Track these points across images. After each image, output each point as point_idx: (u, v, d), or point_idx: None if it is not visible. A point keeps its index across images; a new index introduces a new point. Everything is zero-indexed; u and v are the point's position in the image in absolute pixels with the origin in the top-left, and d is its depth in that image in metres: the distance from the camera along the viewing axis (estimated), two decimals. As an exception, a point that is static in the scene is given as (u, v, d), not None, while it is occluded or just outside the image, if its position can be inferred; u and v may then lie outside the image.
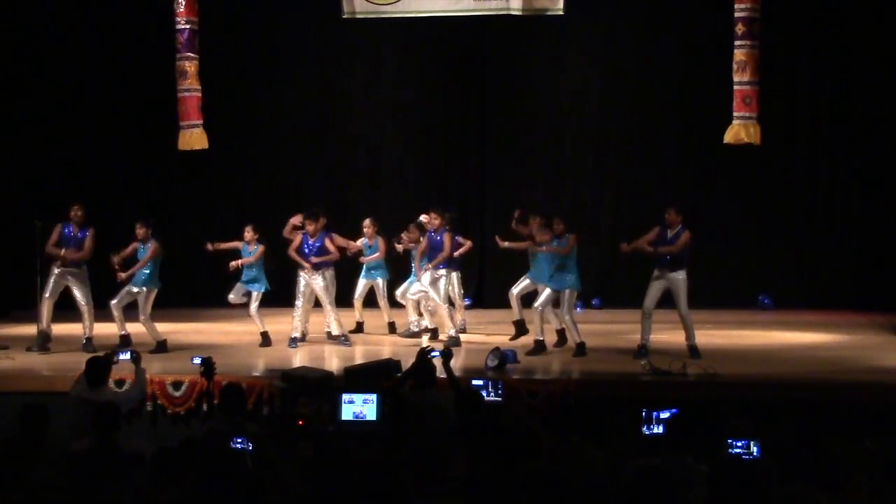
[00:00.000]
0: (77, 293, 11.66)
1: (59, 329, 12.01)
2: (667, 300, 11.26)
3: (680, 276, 11.06)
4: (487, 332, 12.77)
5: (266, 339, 12.05)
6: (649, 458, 6.32)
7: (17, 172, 14.76)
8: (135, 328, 11.87)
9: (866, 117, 15.09)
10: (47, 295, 11.58)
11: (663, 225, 11.17)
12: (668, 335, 11.49)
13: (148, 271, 11.69)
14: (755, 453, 6.28)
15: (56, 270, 11.57)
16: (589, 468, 6.30)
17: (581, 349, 11.29)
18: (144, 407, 9.84)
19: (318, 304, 12.24)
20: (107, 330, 11.87)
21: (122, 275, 11.58)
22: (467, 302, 14.07)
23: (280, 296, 12.54)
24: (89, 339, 11.64)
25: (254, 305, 12.04)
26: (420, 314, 12.40)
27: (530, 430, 6.43)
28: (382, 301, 12.97)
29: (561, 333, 11.71)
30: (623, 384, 10.04)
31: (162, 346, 11.60)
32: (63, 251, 11.46)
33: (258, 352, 11.78)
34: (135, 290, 11.65)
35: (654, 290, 11.17)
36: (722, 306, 14.31)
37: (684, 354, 10.79)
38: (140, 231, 11.68)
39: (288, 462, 6.65)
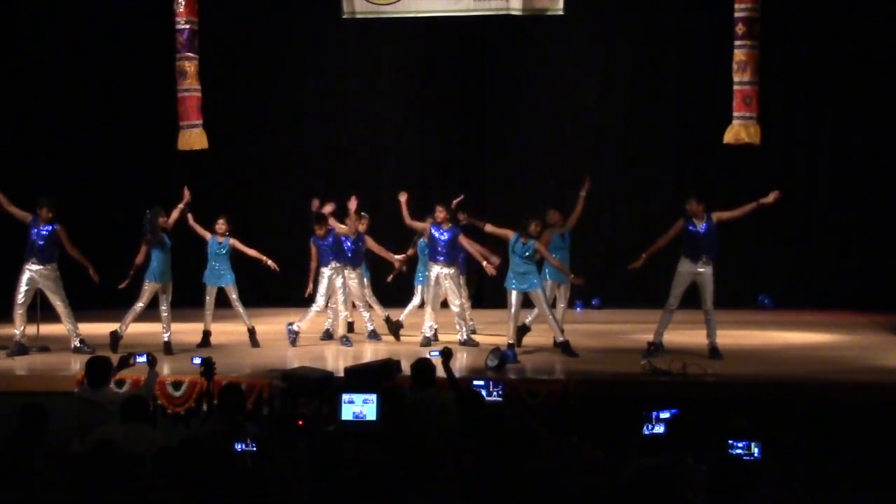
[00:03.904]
0: (51, 295, 11.43)
1: (57, 329, 11.97)
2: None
3: (710, 269, 10.97)
4: (487, 333, 12.74)
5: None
6: (649, 458, 6.32)
7: (17, 172, 14.74)
8: (148, 328, 11.87)
9: (866, 117, 15.09)
10: (21, 300, 11.33)
11: (686, 216, 11.00)
12: (668, 335, 11.44)
13: (152, 265, 11.62)
14: (756, 454, 6.27)
15: (28, 273, 11.34)
16: (589, 468, 6.30)
17: (564, 347, 11.24)
18: (144, 407, 9.82)
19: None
20: (97, 330, 11.83)
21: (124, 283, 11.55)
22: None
23: (282, 296, 12.54)
24: (83, 340, 11.49)
25: (234, 297, 12.07)
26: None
27: (530, 430, 6.42)
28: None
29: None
30: (623, 384, 10.02)
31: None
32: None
33: (258, 352, 11.77)
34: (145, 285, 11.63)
35: (682, 285, 10.99)
36: (722, 306, 14.24)
37: (703, 353, 10.76)
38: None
39: (288, 462, 6.65)
